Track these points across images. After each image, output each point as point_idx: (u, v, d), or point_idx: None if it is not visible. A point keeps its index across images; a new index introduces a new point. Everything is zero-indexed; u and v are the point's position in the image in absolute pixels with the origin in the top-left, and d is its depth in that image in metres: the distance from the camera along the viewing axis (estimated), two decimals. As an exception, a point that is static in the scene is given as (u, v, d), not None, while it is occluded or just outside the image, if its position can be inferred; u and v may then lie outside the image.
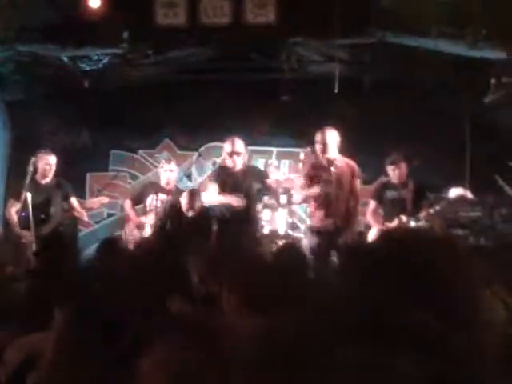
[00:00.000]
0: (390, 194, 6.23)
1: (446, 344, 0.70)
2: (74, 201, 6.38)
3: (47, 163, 6.21)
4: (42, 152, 6.26)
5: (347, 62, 6.76)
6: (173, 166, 6.68)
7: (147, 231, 6.32)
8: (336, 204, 5.65)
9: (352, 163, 5.91)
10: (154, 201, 6.32)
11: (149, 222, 6.36)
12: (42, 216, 6.02)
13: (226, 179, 6.10)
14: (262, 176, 6.34)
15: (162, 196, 6.38)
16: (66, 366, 1.61)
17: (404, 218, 5.96)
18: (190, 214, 5.82)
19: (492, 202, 6.14)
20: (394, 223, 5.98)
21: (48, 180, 6.27)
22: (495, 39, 5.67)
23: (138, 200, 6.59)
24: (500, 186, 6.19)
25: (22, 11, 5.98)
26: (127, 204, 6.58)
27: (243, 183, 6.12)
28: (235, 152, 6.07)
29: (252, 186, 6.16)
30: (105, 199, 6.48)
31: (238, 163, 6.10)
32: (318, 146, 5.83)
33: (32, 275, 2.66)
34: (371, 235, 6.08)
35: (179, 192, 6.32)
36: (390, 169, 6.24)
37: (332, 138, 5.80)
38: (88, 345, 1.67)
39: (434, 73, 6.59)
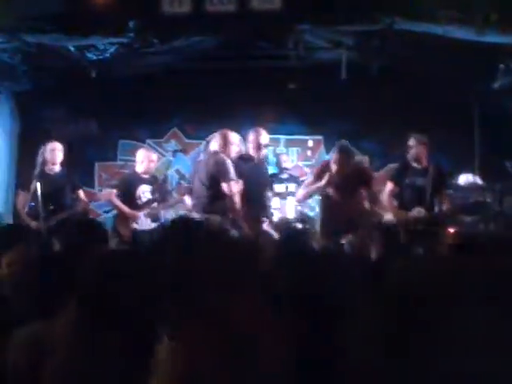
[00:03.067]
0: (409, 180, 5.74)
1: None
2: (80, 193, 6.38)
3: (53, 149, 6.19)
4: (50, 142, 6.27)
5: (355, 48, 6.72)
6: (154, 156, 6.79)
7: (142, 223, 6.39)
8: (337, 207, 5.66)
9: (364, 171, 5.87)
10: (142, 193, 6.47)
11: (142, 216, 6.42)
12: (52, 207, 5.93)
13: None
14: None
15: (146, 187, 6.48)
16: (83, 353, 1.62)
17: (422, 211, 5.59)
18: None
19: (501, 188, 6.13)
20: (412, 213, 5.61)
21: (56, 169, 6.25)
22: (504, 24, 5.61)
23: (127, 193, 6.57)
24: (509, 171, 6.17)
25: (28, 1, 5.98)
26: (115, 199, 6.52)
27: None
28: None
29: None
30: (114, 192, 6.55)
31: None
32: (333, 164, 5.70)
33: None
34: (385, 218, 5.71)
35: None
36: (414, 145, 5.74)
37: (347, 158, 5.69)
38: (102, 332, 1.68)
39: (442, 58, 6.54)
